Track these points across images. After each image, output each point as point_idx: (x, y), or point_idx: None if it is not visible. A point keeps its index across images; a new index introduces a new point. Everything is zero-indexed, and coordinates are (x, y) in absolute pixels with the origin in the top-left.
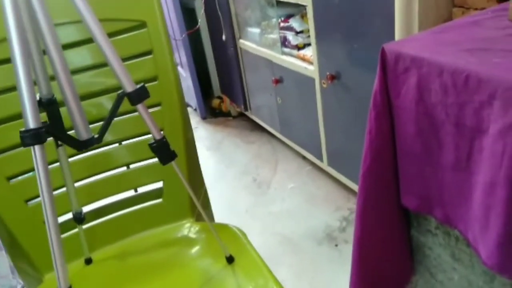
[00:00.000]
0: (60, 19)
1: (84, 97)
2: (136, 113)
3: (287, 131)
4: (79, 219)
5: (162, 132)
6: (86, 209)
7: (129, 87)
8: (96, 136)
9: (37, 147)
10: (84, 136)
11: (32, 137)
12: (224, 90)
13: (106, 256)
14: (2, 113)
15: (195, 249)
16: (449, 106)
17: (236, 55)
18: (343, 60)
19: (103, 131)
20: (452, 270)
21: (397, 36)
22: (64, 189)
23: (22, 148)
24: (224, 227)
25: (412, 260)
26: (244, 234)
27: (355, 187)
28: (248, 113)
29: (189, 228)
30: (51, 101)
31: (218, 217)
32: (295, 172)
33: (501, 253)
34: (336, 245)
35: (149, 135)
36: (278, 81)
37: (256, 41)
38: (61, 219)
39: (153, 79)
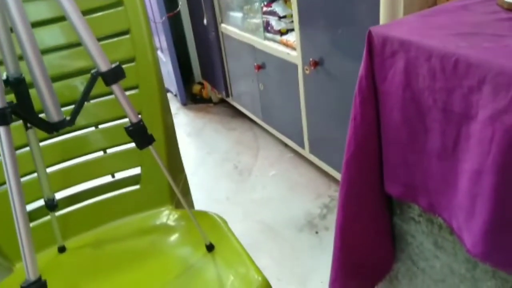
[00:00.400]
0: None
1: (56, 79)
2: (112, 96)
3: (269, 118)
4: (51, 206)
5: (139, 115)
6: (59, 195)
7: (103, 66)
8: (68, 118)
9: (1, 128)
10: (54, 118)
11: None
12: (205, 76)
13: (80, 244)
14: None
15: (173, 237)
16: (437, 91)
17: (218, 40)
18: (327, 46)
19: (75, 112)
20: (434, 258)
21: (382, 21)
22: (35, 174)
23: None
24: (204, 214)
25: (394, 248)
26: (224, 222)
27: (336, 174)
28: (229, 100)
29: (167, 216)
30: (18, 80)
31: (199, 205)
32: (277, 160)
33: (486, 241)
34: (317, 232)
35: (126, 119)
36: (260, 67)
37: (238, 26)
38: (33, 206)
39: (131, 60)
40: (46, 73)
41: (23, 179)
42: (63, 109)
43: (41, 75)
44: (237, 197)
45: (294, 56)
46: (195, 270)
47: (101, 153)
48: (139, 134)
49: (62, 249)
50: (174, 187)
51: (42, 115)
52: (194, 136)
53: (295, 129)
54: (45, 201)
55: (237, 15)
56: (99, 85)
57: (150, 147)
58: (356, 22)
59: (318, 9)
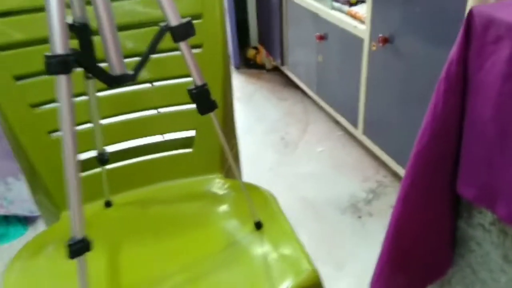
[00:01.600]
0: None
1: (120, 28)
2: (176, 52)
3: (323, 92)
4: (103, 160)
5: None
6: (110, 149)
7: (174, 20)
8: (130, 72)
9: (62, 76)
10: (117, 71)
11: (58, 64)
12: (261, 40)
13: (127, 201)
14: (29, 34)
15: (221, 207)
16: None
17: (280, 5)
18: (400, 23)
19: (139, 67)
20: (500, 271)
21: (471, 2)
22: (88, 125)
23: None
24: (255, 188)
25: (453, 252)
26: (275, 199)
27: (387, 159)
28: (283, 68)
29: (217, 184)
30: (84, 26)
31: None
32: (325, 136)
33: None
34: (360, 217)
35: (187, 79)
36: (322, 38)
37: None
38: (83, 156)
39: (197, 16)
40: (113, 20)
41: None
42: (125, 61)
43: (108, 21)
44: (281, 169)
45: (362, 29)
46: (241, 246)
47: (155, 111)
48: (203, 98)
49: (108, 204)
50: (229, 155)
51: (103, 65)
52: (243, 101)
53: (350, 107)
54: (97, 154)
55: None
56: (164, 39)
57: (212, 113)
58: (439, 2)
59: None
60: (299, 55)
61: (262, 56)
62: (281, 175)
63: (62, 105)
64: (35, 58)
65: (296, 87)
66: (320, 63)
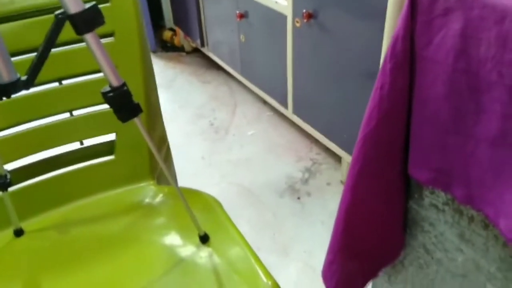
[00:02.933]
0: None
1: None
2: (81, 44)
3: (249, 72)
4: (3, 184)
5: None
6: (13, 166)
7: (74, 7)
8: (23, 78)
9: None
10: (5, 77)
11: None
12: (177, 21)
13: (41, 227)
14: None
15: (158, 220)
16: (505, 64)
17: None
18: None
19: (34, 71)
20: (456, 251)
21: None
22: None
23: None
24: (195, 194)
25: (404, 234)
26: (219, 205)
27: (319, 136)
28: (204, 50)
29: (149, 193)
30: None
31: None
32: (255, 118)
33: None
34: (299, 198)
35: (97, 75)
36: (242, 16)
37: None
38: None
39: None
40: None
41: None
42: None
43: None
44: (213, 157)
45: (284, 6)
46: (187, 265)
47: (65, 115)
48: (122, 102)
49: (19, 232)
50: (159, 160)
51: None
52: (164, 87)
53: (279, 87)
54: None
55: None
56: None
57: (136, 119)
58: None
59: None
60: (220, 35)
61: (180, 38)
62: (214, 164)
63: None
64: None
65: (219, 68)
66: (243, 43)
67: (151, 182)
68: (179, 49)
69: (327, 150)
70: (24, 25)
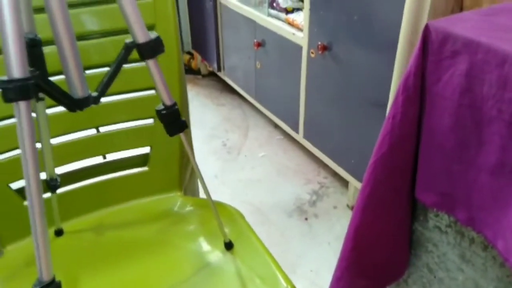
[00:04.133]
0: None
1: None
2: (133, 64)
3: (263, 97)
4: (54, 186)
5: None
6: (61, 171)
7: (142, 37)
8: (93, 94)
9: (22, 103)
10: (79, 93)
11: (17, 91)
12: (196, 46)
13: (80, 228)
14: None
15: (186, 228)
16: (505, 102)
17: (215, 10)
18: (338, 31)
19: (103, 89)
20: (458, 270)
21: (406, 13)
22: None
23: None
24: (221, 206)
25: (409, 254)
26: (242, 216)
27: (328, 161)
28: (220, 74)
29: (178, 203)
30: (35, 42)
31: None
32: (266, 141)
33: None
34: (306, 219)
35: (143, 93)
36: (260, 44)
37: None
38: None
39: (150, 27)
40: (73, 35)
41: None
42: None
43: (67, 36)
44: (225, 176)
45: (300, 37)
46: (213, 269)
47: (107, 128)
48: (172, 119)
49: (59, 232)
50: (198, 172)
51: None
52: None
53: (291, 112)
54: (46, 180)
55: None
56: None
57: (181, 134)
58: (376, 11)
59: None
60: (237, 61)
61: (197, 62)
62: (227, 182)
63: (23, 134)
64: None
65: (234, 92)
66: (259, 69)
67: (179, 193)
68: (195, 72)
69: (334, 174)
70: (93, 45)
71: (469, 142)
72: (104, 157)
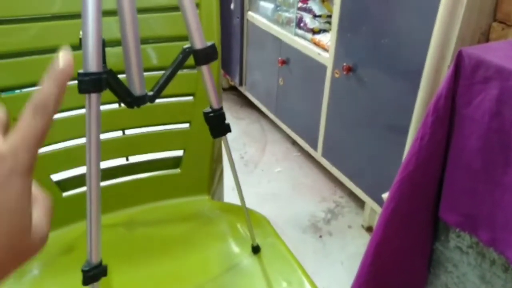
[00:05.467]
0: None
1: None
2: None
3: (283, 113)
4: None
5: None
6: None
7: (199, 44)
8: (150, 93)
9: (94, 95)
10: (138, 91)
11: (91, 83)
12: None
13: (114, 222)
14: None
15: (215, 230)
16: None
17: (241, 27)
18: (364, 53)
19: (160, 88)
20: None
21: (433, 41)
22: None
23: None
24: (249, 211)
25: (428, 273)
26: (268, 222)
27: (345, 180)
28: (241, 88)
29: (206, 206)
30: (102, 42)
31: None
32: (283, 156)
33: None
34: (321, 236)
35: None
36: (284, 62)
37: (268, 17)
38: (69, 173)
39: None
40: (137, 32)
41: (64, 146)
42: None
43: (133, 37)
44: (242, 188)
45: (326, 57)
46: (240, 270)
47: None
48: (218, 122)
49: None
50: (235, 177)
51: None
52: None
53: (310, 130)
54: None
55: (267, 5)
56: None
57: (223, 137)
58: (404, 37)
59: (363, 13)
60: (259, 77)
61: None
62: (244, 195)
63: (91, 124)
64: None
65: (253, 107)
66: (281, 86)
67: (207, 197)
68: None
69: (350, 194)
70: (155, 48)
71: (496, 164)
72: (127, 159)
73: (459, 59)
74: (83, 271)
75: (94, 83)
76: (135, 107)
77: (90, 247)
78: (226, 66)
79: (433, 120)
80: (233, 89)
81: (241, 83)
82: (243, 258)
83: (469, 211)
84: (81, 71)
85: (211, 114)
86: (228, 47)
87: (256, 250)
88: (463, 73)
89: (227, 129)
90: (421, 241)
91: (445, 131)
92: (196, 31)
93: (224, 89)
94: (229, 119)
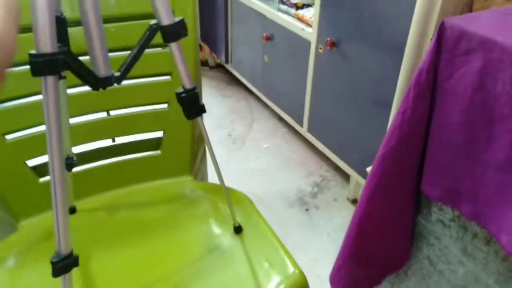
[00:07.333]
0: None
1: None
2: (152, 50)
3: (269, 90)
4: (70, 164)
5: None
6: (78, 150)
7: (166, 19)
8: (116, 74)
9: (50, 78)
10: (102, 72)
11: (46, 65)
12: (204, 38)
13: (93, 207)
14: None
15: (196, 211)
16: None
17: (225, 3)
18: (347, 28)
19: (126, 69)
20: (458, 263)
21: (416, 14)
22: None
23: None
24: (231, 191)
25: (411, 246)
26: (250, 201)
27: (330, 154)
28: (227, 66)
29: (189, 186)
30: (60, 20)
31: None
32: (270, 133)
33: None
34: (307, 210)
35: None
36: (268, 38)
37: None
38: (45, 159)
39: None
40: (100, 15)
41: (39, 130)
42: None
43: (94, 16)
44: (230, 165)
45: (309, 32)
46: (223, 252)
47: (125, 110)
48: (191, 102)
49: (72, 210)
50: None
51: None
52: None
53: (296, 106)
54: (65, 158)
55: None
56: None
57: (199, 118)
58: (386, 11)
59: None
60: (245, 54)
61: (205, 53)
62: (231, 171)
63: (48, 109)
64: None
65: (240, 84)
66: (266, 63)
67: (190, 178)
68: (203, 63)
69: (336, 168)
70: (120, 28)
71: (478, 139)
72: (114, 140)
73: (441, 30)
74: (52, 263)
75: (49, 64)
76: (101, 89)
77: (58, 238)
78: (212, 44)
79: (414, 94)
80: (220, 67)
81: (227, 61)
82: (225, 239)
83: (451, 185)
84: (33, 51)
85: (184, 95)
86: (213, 24)
87: (238, 230)
88: (445, 46)
89: (202, 109)
90: (405, 215)
91: (427, 106)
92: (162, 6)
93: (211, 67)
94: (216, 97)
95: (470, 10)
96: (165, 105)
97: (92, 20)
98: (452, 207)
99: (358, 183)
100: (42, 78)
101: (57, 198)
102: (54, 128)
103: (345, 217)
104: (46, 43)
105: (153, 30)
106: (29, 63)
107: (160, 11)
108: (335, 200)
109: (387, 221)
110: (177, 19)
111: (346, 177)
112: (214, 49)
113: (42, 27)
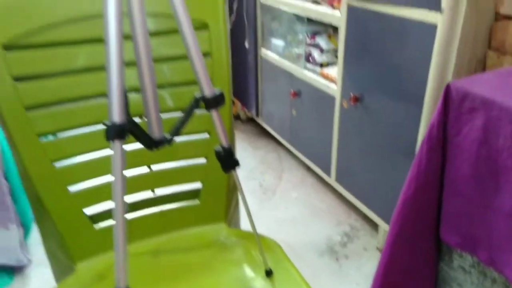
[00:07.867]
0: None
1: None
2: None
3: (297, 142)
4: None
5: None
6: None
7: (208, 92)
8: (168, 136)
9: (117, 141)
10: (156, 134)
11: (115, 132)
12: (236, 94)
13: (140, 251)
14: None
15: (231, 256)
16: None
17: (256, 63)
18: (369, 84)
19: (175, 132)
20: None
21: (432, 71)
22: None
23: (71, 133)
24: (262, 237)
25: None
26: (280, 248)
27: (358, 204)
28: (258, 119)
29: (223, 233)
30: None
31: None
32: (299, 183)
33: None
34: (337, 259)
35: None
36: (296, 94)
37: (279, 53)
38: (100, 207)
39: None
40: (155, 82)
41: (102, 181)
42: None
43: (150, 84)
44: (261, 214)
45: (334, 89)
46: None
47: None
48: (227, 158)
49: None
50: (247, 208)
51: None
52: None
53: (323, 157)
54: None
55: (279, 43)
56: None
57: (233, 171)
58: (404, 66)
59: (365, 47)
60: (274, 108)
61: (237, 108)
62: (262, 220)
63: (115, 165)
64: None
65: (269, 137)
66: (294, 116)
67: (224, 225)
68: (235, 117)
69: (365, 217)
70: (168, 93)
71: (487, 189)
72: (153, 191)
73: (447, 92)
74: None
75: (118, 132)
76: (154, 149)
77: (117, 274)
78: (244, 100)
79: (427, 148)
80: (250, 120)
81: (257, 115)
82: (257, 283)
83: (467, 232)
84: (106, 122)
85: (222, 153)
86: (244, 81)
87: (268, 273)
88: (452, 105)
89: (236, 163)
90: (427, 261)
91: (440, 158)
92: (204, 81)
93: (243, 121)
94: (247, 149)
95: (484, 66)
96: (204, 159)
97: (148, 86)
98: (470, 254)
99: (387, 232)
100: (111, 141)
101: (119, 239)
102: (119, 180)
103: (374, 267)
104: (116, 114)
105: (197, 100)
106: (105, 130)
107: (202, 83)
108: (365, 249)
109: (411, 268)
110: (217, 91)
111: (374, 226)
112: (245, 104)
113: (115, 102)
